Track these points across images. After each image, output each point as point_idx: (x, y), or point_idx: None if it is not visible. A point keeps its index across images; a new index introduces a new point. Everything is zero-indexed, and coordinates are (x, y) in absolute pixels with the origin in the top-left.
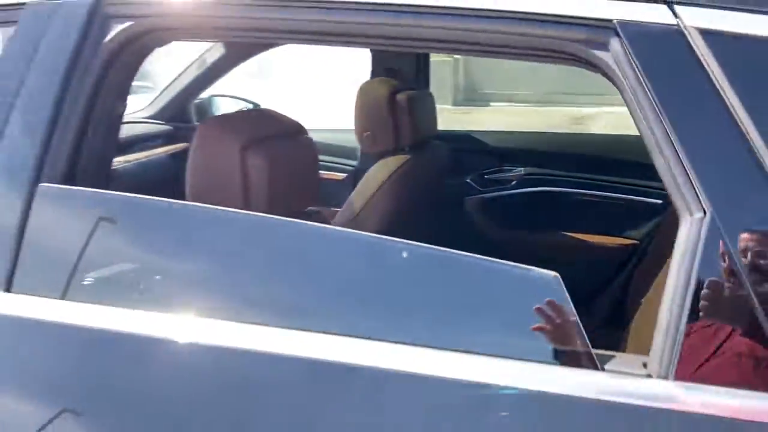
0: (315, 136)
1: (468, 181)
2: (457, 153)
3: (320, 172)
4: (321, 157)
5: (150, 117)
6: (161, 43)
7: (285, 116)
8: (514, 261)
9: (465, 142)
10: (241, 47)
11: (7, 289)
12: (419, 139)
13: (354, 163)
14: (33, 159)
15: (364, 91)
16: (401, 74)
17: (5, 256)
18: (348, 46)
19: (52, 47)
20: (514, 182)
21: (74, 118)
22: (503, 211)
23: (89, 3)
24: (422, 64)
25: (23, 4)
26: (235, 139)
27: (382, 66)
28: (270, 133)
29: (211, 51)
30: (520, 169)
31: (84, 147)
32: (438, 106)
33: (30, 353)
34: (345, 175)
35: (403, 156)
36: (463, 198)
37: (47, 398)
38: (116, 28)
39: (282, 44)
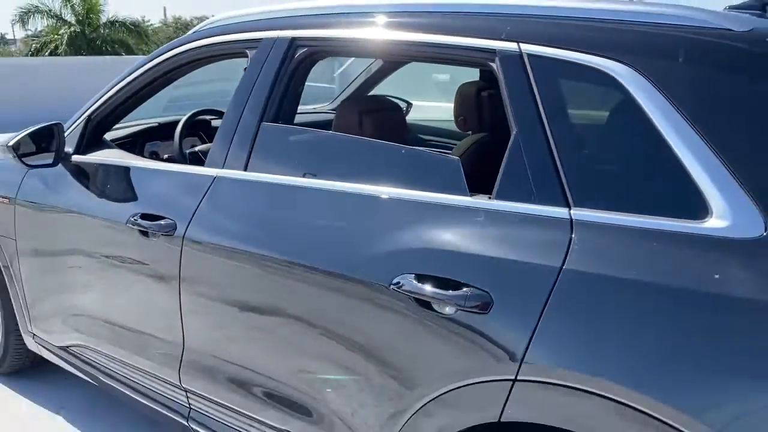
0: (436, 124)
1: None
2: None
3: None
4: (438, 138)
5: (332, 109)
6: (320, 59)
7: (390, 99)
8: None
9: None
10: (389, 63)
11: (245, 170)
12: (497, 123)
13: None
14: (260, 115)
15: (460, 88)
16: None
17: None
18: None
19: (271, 60)
20: None
21: (278, 98)
22: None
23: (289, 39)
24: None
25: (260, 39)
26: (356, 109)
27: (486, 73)
28: (377, 108)
29: (374, 64)
30: None
31: (280, 113)
32: None
33: (255, 203)
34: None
35: (481, 134)
36: None
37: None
38: (299, 51)
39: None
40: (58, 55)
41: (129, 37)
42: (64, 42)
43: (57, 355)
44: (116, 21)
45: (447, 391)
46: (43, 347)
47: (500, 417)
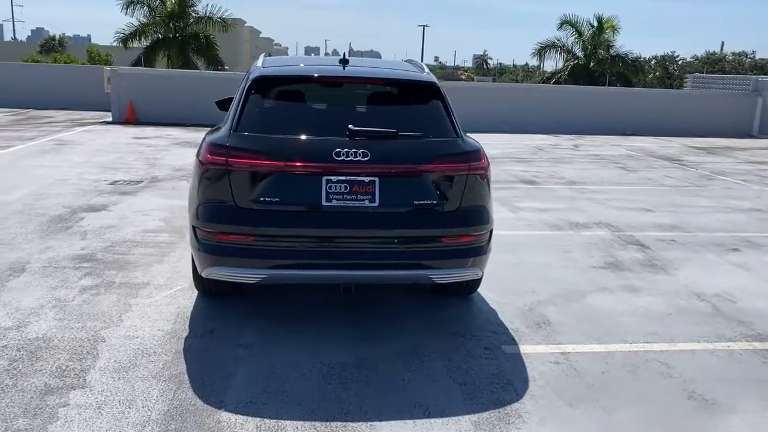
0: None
1: None
2: None
3: None
4: None
5: None
6: None
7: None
8: None
9: None
10: None
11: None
12: None
13: None
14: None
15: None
16: None
17: None
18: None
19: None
20: None
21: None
22: None
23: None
24: None
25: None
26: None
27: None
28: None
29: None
30: None
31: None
32: None
33: None
34: None
35: None
36: None
37: None
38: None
39: None
40: (560, 83)
41: (628, 71)
42: (566, 72)
43: None
44: (619, 56)
45: None
46: None
47: None
